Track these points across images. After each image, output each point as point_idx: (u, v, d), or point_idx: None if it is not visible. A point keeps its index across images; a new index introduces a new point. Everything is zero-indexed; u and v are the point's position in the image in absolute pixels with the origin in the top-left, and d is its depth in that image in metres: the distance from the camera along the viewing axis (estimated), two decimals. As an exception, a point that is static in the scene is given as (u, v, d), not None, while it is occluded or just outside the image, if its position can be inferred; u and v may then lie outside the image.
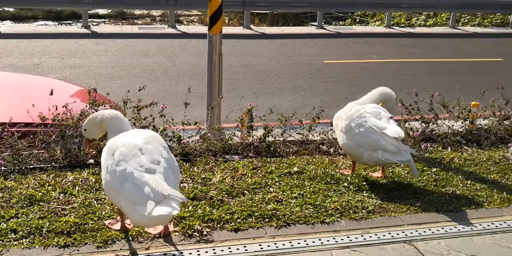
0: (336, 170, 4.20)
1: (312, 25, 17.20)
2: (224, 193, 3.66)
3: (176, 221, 3.20)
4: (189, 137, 4.70)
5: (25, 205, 3.38)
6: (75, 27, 15.02)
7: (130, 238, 2.99)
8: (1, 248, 2.87)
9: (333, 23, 19.48)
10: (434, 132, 5.24)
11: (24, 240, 2.95)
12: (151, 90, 9.76)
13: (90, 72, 10.06)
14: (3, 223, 3.13)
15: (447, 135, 5.18)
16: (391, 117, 3.99)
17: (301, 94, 10.33)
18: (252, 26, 15.94)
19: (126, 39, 12.93)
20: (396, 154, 3.76)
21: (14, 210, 3.29)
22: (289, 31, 15.77)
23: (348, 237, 3.17)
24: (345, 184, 3.93)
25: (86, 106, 4.58)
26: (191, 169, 4.08)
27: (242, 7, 14.71)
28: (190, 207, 3.38)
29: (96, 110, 4.38)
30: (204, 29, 15.53)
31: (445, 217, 3.49)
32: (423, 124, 5.28)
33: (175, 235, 3.07)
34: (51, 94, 4.60)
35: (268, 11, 18.59)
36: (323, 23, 16.78)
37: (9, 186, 3.68)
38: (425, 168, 4.34)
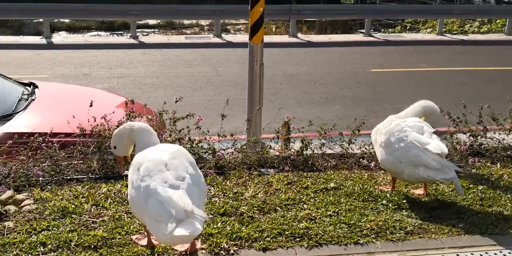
0: (375, 187, 4.03)
1: (360, 32, 16.92)
2: (256, 209, 3.56)
3: (203, 237, 3.12)
4: (224, 149, 4.63)
5: (57, 217, 3.39)
6: (124, 38, 15.37)
7: (155, 255, 2.94)
8: (29, 261, 2.88)
9: (382, 30, 19.12)
10: (482, 146, 4.97)
11: (52, 253, 2.95)
12: (195, 99, 9.83)
13: (136, 82, 10.23)
14: (34, 235, 3.14)
15: (497, 150, 4.90)
16: (435, 131, 3.79)
17: (347, 103, 10.14)
18: (298, 34, 15.85)
19: (172, 49, 13.11)
20: (439, 171, 3.56)
21: (46, 222, 3.31)
22: (336, 39, 15.57)
23: (383, 259, 3.01)
24: (384, 201, 3.75)
25: (123, 117, 4.60)
26: (223, 183, 4.01)
27: (288, 15, 14.66)
28: (219, 224, 3.30)
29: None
30: (247, 39, 15.63)
31: (489, 241, 3.26)
32: (471, 137, 5.01)
33: (202, 252, 2.99)
34: (91, 105, 4.66)
35: (315, 19, 18.41)
36: (371, 30, 16.49)
37: (44, 197, 3.71)
38: (471, 186, 4.10)
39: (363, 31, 16.47)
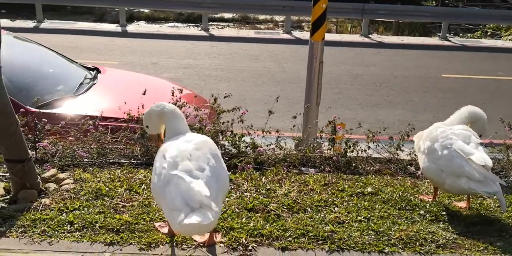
0: (416, 195, 3.85)
1: (437, 36, 16.28)
2: (285, 207, 3.50)
3: (224, 231, 3.11)
4: (267, 145, 4.59)
5: (90, 198, 3.49)
6: (195, 30, 15.64)
7: (174, 244, 2.96)
8: (54, 238, 2.98)
9: (460, 35, 18.30)
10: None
11: (76, 233, 3.04)
12: (256, 94, 9.85)
13: (200, 73, 10.38)
14: (64, 214, 3.25)
15: (560, 167, 4.54)
16: (481, 143, 3.57)
17: (412, 108, 9.80)
18: (370, 35, 15.49)
19: (240, 42, 13.20)
20: (482, 183, 3.34)
21: (79, 202, 3.42)
22: (409, 41, 15.06)
23: (405, 272, 2.86)
24: (421, 211, 3.58)
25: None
26: (259, 179, 3.97)
27: (361, 14, 14.34)
28: (244, 219, 3.27)
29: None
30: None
31: (528, 263, 3.02)
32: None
33: (220, 246, 2.98)
34: (144, 93, 4.76)
35: (391, 20, 17.92)
36: (449, 34, 15.83)
37: (84, 178, 3.84)
38: (516, 203, 3.82)
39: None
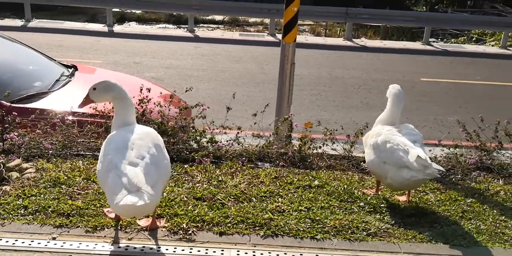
0: (360, 189, 4.07)
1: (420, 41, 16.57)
2: (232, 197, 3.72)
3: (169, 217, 3.32)
4: (227, 141, 4.80)
5: (48, 186, 3.70)
6: (181, 31, 15.90)
7: (118, 227, 3.17)
8: (7, 220, 3.18)
9: (444, 40, 18.59)
10: (490, 161, 4.86)
11: (29, 216, 3.24)
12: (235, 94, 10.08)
13: (182, 73, 10.60)
14: (21, 199, 3.46)
15: (505, 166, 4.78)
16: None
17: (387, 111, 10.02)
18: (354, 39, 15.75)
19: (224, 44, 13.44)
20: (421, 170, 3.55)
21: (37, 189, 3.62)
22: (391, 45, 15.34)
23: (332, 256, 3.08)
24: (361, 204, 3.80)
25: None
26: (212, 171, 4.18)
27: (344, 18, 14.60)
28: (190, 206, 3.48)
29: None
30: (303, 39, 15.70)
31: (450, 251, 3.24)
32: (482, 151, 4.91)
33: (162, 230, 3.19)
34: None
35: (375, 24, 18.21)
36: (436, 40, 16.10)
37: (46, 167, 4.04)
38: (459, 198, 4.05)
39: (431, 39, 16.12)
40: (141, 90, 5.04)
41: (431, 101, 10.34)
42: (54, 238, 3.03)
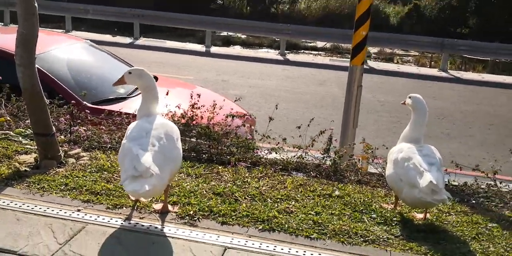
0: (380, 203, 4.15)
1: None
2: (248, 196, 3.99)
3: (182, 205, 3.67)
4: (267, 149, 5.08)
5: (93, 170, 4.23)
6: (273, 54, 16.50)
7: (135, 208, 3.57)
8: (46, 192, 3.72)
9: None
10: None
11: (66, 192, 3.76)
12: (311, 115, 10.29)
13: (264, 93, 11.07)
14: (65, 178, 4.00)
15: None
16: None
17: (468, 143, 9.75)
18: (450, 70, 15.34)
19: (312, 68, 13.78)
20: (430, 194, 3.59)
21: (82, 173, 4.16)
22: (490, 79, 14.74)
23: (319, 254, 3.23)
24: (374, 215, 3.89)
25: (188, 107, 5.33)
26: (242, 174, 4.48)
27: (440, 49, 14.33)
28: (206, 199, 3.81)
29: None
30: (395, 67, 15.57)
31: (442, 265, 3.25)
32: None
33: (172, 214, 3.54)
34: (167, 94, 5.56)
35: (472, 56, 17.57)
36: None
37: (98, 157, 4.60)
38: (481, 221, 3.97)
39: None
40: (197, 95, 5.51)
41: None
42: (79, 210, 3.50)
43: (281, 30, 15.13)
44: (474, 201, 4.56)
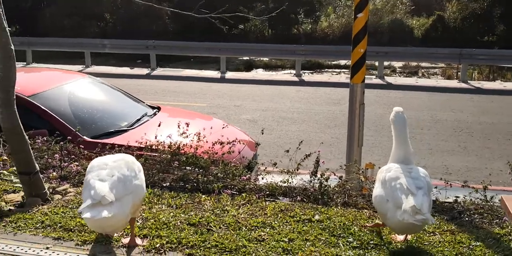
0: (359, 225, 4.04)
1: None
2: (223, 225, 3.96)
3: (151, 238, 3.67)
4: (258, 175, 5.06)
5: (74, 207, 4.29)
6: (288, 75, 16.53)
7: (103, 243, 3.60)
8: (20, 231, 3.79)
9: None
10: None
11: (40, 229, 3.82)
12: (324, 136, 10.23)
13: (276, 115, 11.07)
14: (43, 215, 4.07)
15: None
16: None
17: (485, 156, 9.46)
18: (470, 81, 15.00)
19: (327, 87, 13.72)
20: (413, 215, 3.45)
21: (63, 209, 4.23)
22: (511, 87, 14.32)
23: (282, 283, 3.16)
24: (350, 239, 3.79)
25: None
26: (224, 202, 4.46)
27: (458, 60, 14.06)
28: (177, 230, 3.80)
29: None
30: (413, 81, 15.31)
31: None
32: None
33: (139, 248, 3.55)
34: (159, 125, 5.64)
35: (491, 64, 17.15)
36: None
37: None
38: (465, 240, 3.82)
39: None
40: (178, 126, 5.57)
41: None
42: (47, 248, 3.55)
43: (294, 51, 15.20)
44: (467, 219, 4.40)
